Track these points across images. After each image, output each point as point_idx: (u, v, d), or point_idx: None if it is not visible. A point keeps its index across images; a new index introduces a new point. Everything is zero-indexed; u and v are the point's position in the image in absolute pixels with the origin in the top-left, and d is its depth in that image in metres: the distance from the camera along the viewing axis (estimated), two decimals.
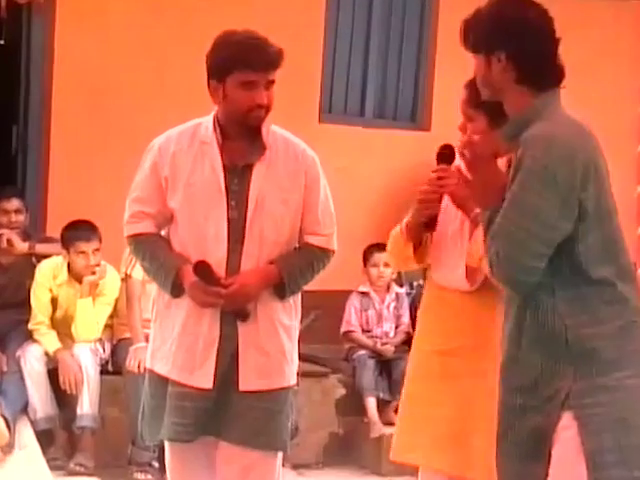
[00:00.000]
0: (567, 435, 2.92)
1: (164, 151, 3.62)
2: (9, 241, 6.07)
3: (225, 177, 3.56)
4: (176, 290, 3.57)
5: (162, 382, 3.62)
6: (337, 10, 7.71)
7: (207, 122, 3.64)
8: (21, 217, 6.26)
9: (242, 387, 3.57)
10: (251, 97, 3.52)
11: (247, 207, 3.55)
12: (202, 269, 3.50)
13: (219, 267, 3.52)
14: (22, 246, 6.12)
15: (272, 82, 3.57)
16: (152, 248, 3.64)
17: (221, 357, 3.55)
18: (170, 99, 6.94)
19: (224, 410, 3.56)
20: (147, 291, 5.77)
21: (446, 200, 3.70)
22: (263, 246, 3.58)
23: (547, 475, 2.96)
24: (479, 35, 3.09)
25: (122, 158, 6.85)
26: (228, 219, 3.54)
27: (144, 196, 3.64)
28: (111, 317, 6.08)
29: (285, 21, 7.02)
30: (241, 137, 3.59)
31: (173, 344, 3.59)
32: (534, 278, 2.92)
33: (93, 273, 5.89)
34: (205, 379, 3.54)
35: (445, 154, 3.69)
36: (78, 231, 5.89)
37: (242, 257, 3.55)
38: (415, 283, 7.04)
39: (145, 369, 3.82)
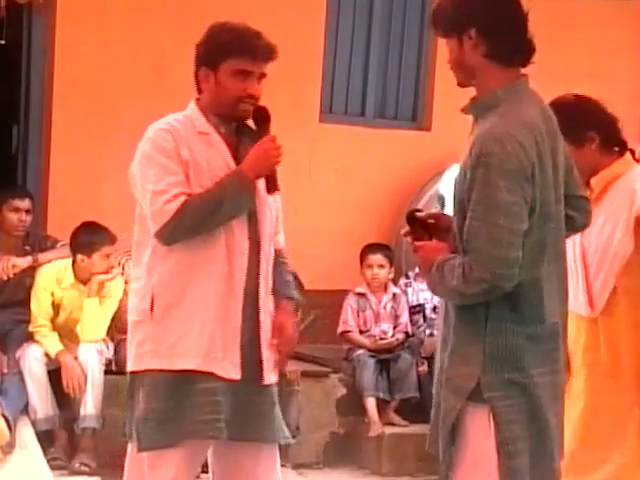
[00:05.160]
0: (478, 425, 3.02)
1: (177, 136, 3.47)
2: (14, 266, 6.06)
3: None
4: (253, 193, 3.44)
5: (181, 380, 3.44)
6: (338, 10, 7.71)
7: (194, 114, 3.56)
8: (29, 218, 6.27)
9: (266, 381, 3.55)
10: (243, 87, 3.48)
11: (255, 198, 3.52)
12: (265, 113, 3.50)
13: (241, 259, 3.47)
14: (26, 261, 6.11)
15: (264, 75, 3.54)
16: (203, 194, 3.41)
17: (244, 349, 3.49)
18: (170, 99, 6.91)
19: (244, 407, 3.50)
20: None
21: None
22: (270, 240, 3.60)
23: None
24: (449, 18, 3.12)
25: (122, 158, 6.84)
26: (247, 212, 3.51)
27: (179, 179, 3.42)
28: (113, 319, 6.08)
29: (285, 21, 7.01)
30: (233, 127, 3.57)
31: (202, 336, 3.44)
32: (516, 269, 2.93)
33: (109, 272, 5.91)
34: (233, 370, 3.46)
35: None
36: (101, 235, 5.92)
37: (260, 252, 3.54)
38: (411, 273, 7.05)
39: (149, 370, 3.50)
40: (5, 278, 6.04)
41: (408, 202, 7.51)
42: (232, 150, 3.53)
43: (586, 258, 3.85)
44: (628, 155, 3.91)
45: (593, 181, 3.83)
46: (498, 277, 2.92)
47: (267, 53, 3.52)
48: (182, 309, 3.46)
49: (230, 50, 3.48)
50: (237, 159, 3.52)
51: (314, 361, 6.71)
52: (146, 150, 3.50)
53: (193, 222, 3.41)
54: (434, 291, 3.19)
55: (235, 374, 3.46)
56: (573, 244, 3.83)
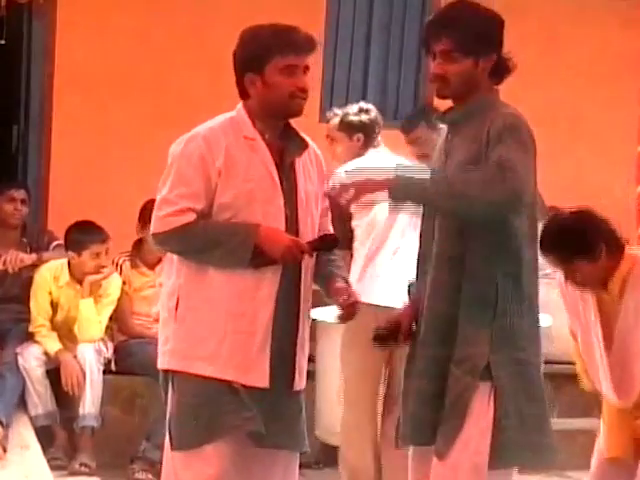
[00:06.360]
0: (479, 402, 3.20)
1: (214, 144, 3.44)
2: (22, 261, 6.11)
3: (278, 174, 3.50)
4: (256, 255, 3.38)
5: (208, 380, 3.42)
6: (338, 10, 7.72)
7: (241, 118, 3.53)
8: (25, 209, 6.35)
9: (296, 387, 3.54)
10: (293, 82, 3.47)
11: (297, 205, 3.51)
12: (331, 242, 3.54)
13: (274, 272, 3.45)
14: (31, 258, 6.16)
15: (308, 68, 3.53)
16: (210, 227, 3.43)
17: (276, 357, 3.46)
18: (171, 98, 6.94)
19: (272, 413, 3.47)
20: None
21: (580, 313, 4.10)
22: None
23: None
24: (477, 38, 3.27)
25: (123, 157, 6.86)
26: (285, 218, 3.49)
27: (193, 191, 3.41)
28: (111, 318, 6.09)
29: (285, 21, 7.00)
30: (278, 132, 3.55)
31: (222, 345, 3.42)
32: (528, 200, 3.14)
33: (100, 272, 5.93)
34: (261, 379, 3.43)
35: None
36: (92, 234, 5.94)
37: (301, 261, 3.51)
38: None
39: (174, 370, 3.52)
40: (10, 271, 6.09)
41: None
42: (275, 156, 3.51)
43: (617, 354, 4.03)
44: (628, 249, 4.13)
45: (610, 284, 4.04)
46: (524, 193, 3.10)
47: (307, 44, 3.53)
48: (204, 315, 3.44)
49: (272, 49, 3.47)
50: (280, 166, 3.51)
51: (314, 361, 6.70)
52: (175, 153, 3.50)
53: (186, 247, 3.46)
54: (425, 197, 3.26)
55: (263, 383, 3.44)
56: (598, 341, 4.05)
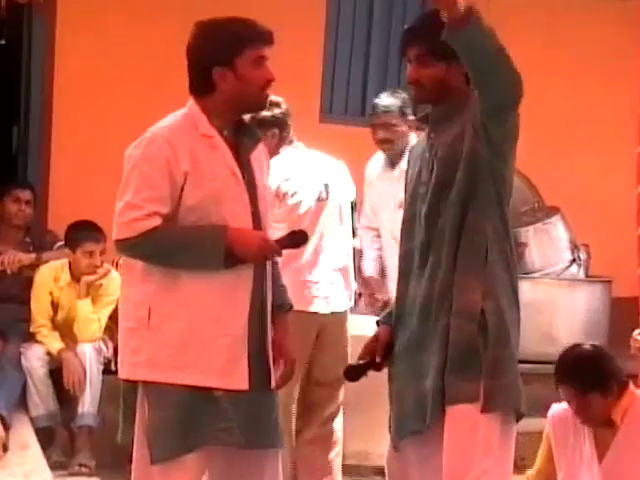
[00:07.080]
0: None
1: (178, 145, 3.36)
2: (20, 261, 6.15)
3: (240, 171, 3.45)
4: (227, 257, 3.32)
5: (186, 390, 3.34)
6: (338, 10, 7.72)
7: (196, 115, 3.46)
8: (29, 210, 6.39)
9: (272, 385, 3.51)
10: (263, 74, 3.44)
11: (258, 200, 3.47)
12: (300, 238, 3.55)
13: (247, 269, 3.40)
14: (30, 258, 6.19)
15: (268, 59, 3.49)
16: (177, 231, 3.36)
17: (251, 356, 3.42)
18: (171, 98, 6.92)
19: (251, 414, 3.43)
20: None
21: (569, 445, 4.22)
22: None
23: None
24: (444, 43, 3.23)
25: (122, 158, 6.86)
26: (251, 214, 3.44)
27: (159, 195, 3.33)
28: (110, 317, 6.09)
29: (285, 21, 7.02)
30: (233, 128, 3.50)
31: (205, 349, 3.35)
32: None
33: (94, 273, 5.94)
34: (240, 382, 3.38)
35: None
36: (87, 232, 5.98)
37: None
38: None
39: (147, 381, 3.40)
40: (9, 272, 6.11)
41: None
42: (235, 153, 3.46)
43: None
44: (631, 386, 4.29)
45: (614, 416, 4.17)
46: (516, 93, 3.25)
47: (270, 35, 3.49)
48: (181, 322, 3.35)
49: (243, 41, 3.42)
50: (240, 161, 3.46)
51: None
52: (135, 156, 3.44)
53: (153, 252, 3.36)
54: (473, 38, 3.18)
55: (243, 385, 3.39)
56: (591, 474, 4.16)
